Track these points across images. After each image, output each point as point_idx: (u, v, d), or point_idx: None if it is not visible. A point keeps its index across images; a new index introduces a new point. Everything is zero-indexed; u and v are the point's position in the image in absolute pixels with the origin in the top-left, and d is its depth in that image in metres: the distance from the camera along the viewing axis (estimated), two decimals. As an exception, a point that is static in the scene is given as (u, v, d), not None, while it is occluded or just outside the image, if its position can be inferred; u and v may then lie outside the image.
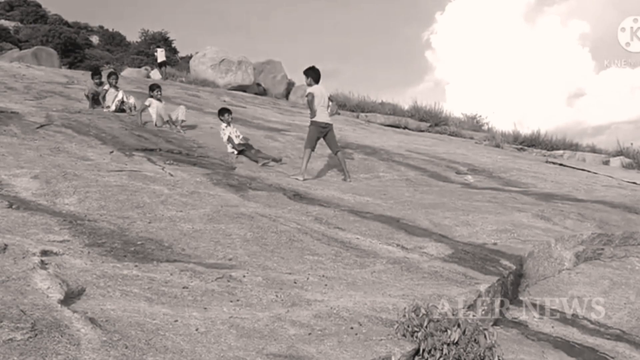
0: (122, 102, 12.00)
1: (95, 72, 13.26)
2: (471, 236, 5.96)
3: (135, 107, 11.99)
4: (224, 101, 16.92)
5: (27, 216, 5.04)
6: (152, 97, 11.51)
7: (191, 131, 11.20)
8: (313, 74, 8.93)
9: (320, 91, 8.83)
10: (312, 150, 8.83)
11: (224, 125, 10.15)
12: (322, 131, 8.85)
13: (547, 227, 6.48)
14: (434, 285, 4.42)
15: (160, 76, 22.97)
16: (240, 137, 10.13)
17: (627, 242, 6.59)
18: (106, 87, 12.46)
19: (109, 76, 12.63)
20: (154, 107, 11.31)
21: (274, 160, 9.72)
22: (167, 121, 11.24)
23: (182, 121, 11.19)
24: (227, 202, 6.40)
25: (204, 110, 14.49)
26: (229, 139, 9.94)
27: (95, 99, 12.43)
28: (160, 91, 11.88)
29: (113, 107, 11.89)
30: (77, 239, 4.66)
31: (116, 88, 12.35)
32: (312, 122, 8.81)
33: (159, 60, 24.42)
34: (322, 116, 8.80)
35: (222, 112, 10.40)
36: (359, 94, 22.43)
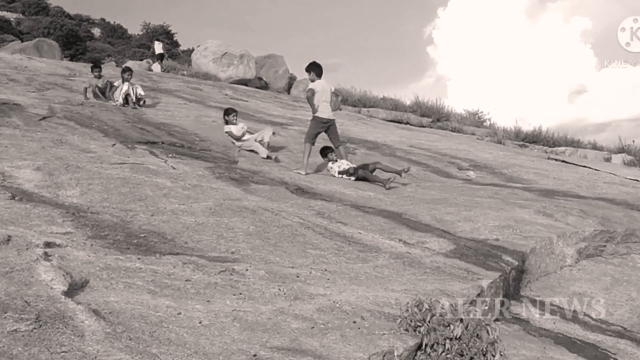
0: (128, 94, 11.88)
1: (95, 66, 13.14)
2: (473, 232, 5.96)
3: (142, 98, 12.10)
4: (226, 95, 16.91)
5: (30, 208, 5.05)
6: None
7: (193, 125, 11.19)
8: (315, 69, 8.93)
9: (322, 86, 8.82)
10: (312, 144, 8.83)
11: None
12: (323, 126, 8.86)
13: (549, 223, 6.48)
14: (436, 281, 4.43)
15: (161, 69, 22.94)
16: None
17: (629, 239, 6.59)
18: (117, 82, 12.33)
19: (123, 72, 12.42)
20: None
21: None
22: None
23: (268, 143, 9.91)
24: (229, 195, 6.40)
25: (206, 104, 14.47)
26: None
27: (97, 93, 12.34)
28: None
29: (120, 101, 11.83)
30: (80, 231, 4.67)
31: (131, 84, 12.17)
32: (313, 117, 8.82)
33: (157, 53, 24.37)
34: (325, 112, 8.80)
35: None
36: (361, 89, 22.43)
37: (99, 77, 12.65)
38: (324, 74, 9.02)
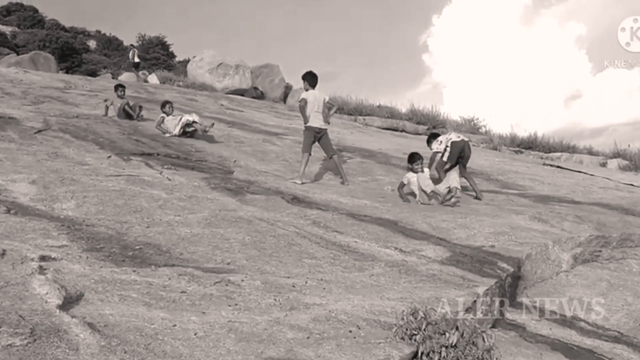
0: (187, 124, 10.88)
1: (120, 85, 13.02)
2: (469, 239, 5.97)
3: (202, 126, 11.02)
4: (222, 105, 16.94)
5: (25, 221, 5.04)
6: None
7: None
8: (309, 79, 8.99)
9: (314, 96, 8.87)
10: (309, 154, 8.86)
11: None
12: (317, 136, 8.89)
13: (544, 229, 6.50)
14: (432, 288, 4.43)
15: (137, 78, 22.94)
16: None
17: (624, 243, 6.60)
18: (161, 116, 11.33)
19: (163, 105, 11.41)
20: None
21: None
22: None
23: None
24: (225, 206, 6.40)
25: (202, 115, 14.47)
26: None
27: (128, 111, 12.05)
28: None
29: (176, 132, 10.84)
30: (75, 244, 4.66)
31: (174, 116, 11.28)
32: (306, 127, 8.86)
33: (134, 61, 24.35)
34: (315, 121, 8.84)
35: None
36: (357, 97, 22.52)
37: (123, 96, 12.44)
38: (319, 83, 9.08)
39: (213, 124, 11.30)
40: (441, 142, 8.45)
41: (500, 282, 4.81)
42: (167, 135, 10.81)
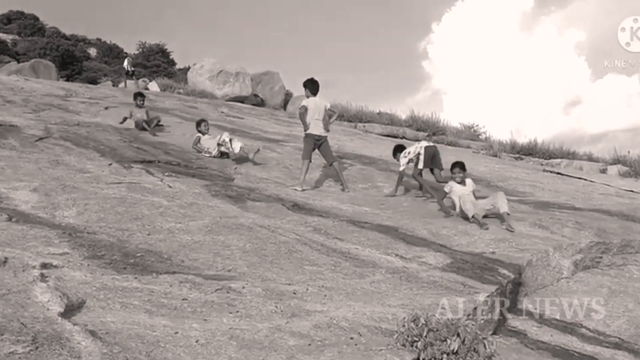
0: (221, 144, 10.15)
1: (140, 94, 12.84)
2: (469, 245, 5.97)
3: (241, 148, 10.07)
4: (222, 112, 16.96)
5: (27, 229, 5.05)
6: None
7: (190, 143, 11.21)
8: (310, 86, 9.02)
9: (314, 103, 8.90)
10: (310, 161, 8.88)
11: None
12: (317, 143, 8.92)
13: (545, 235, 6.50)
14: (433, 295, 4.43)
15: (132, 85, 22.98)
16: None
17: (625, 250, 6.60)
18: (198, 135, 10.74)
19: (198, 124, 10.81)
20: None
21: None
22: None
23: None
24: (225, 213, 6.41)
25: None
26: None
27: (144, 126, 11.71)
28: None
29: (215, 152, 10.21)
30: (77, 251, 4.67)
31: (210, 135, 10.70)
32: (306, 134, 8.89)
33: (128, 70, 24.39)
34: (316, 129, 8.86)
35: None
36: (357, 104, 22.52)
37: (142, 106, 12.27)
38: (320, 90, 9.11)
39: (259, 149, 10.33)
40: (409, 152, 8.67)
41: (501, 289, 4.82)
42: (207, 155, 10.16)
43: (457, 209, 7.20)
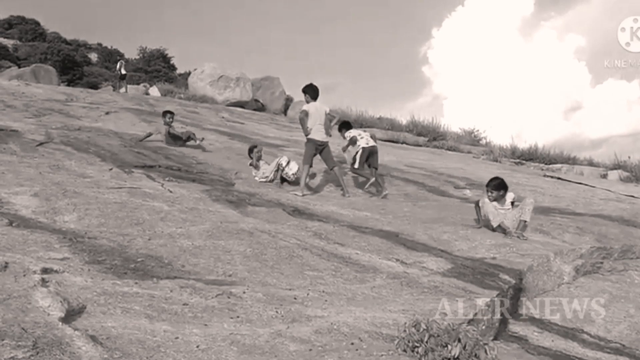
0: (279, 169, 9.45)
1: (169, 111, 11.89)
2: (470, 250, 5.97)
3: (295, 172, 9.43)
4: (223, 117, 16.99)
5: (27, 234, 5.05)
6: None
7: (190, 148, 11.23)
8: (310, 92, 9.02)
9: (315, 108, 8.90)
10: (310, 166, 8.89)
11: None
12: (318, 148, 8.92)
13: (545, 241, 6.50)
14: (434, 300, 4.43)
15: (125, 89, 22.95)
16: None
17: (625, 255, 6.60)
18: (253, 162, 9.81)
19: (250, 151, 9.96)
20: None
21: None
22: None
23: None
24: (226, 218, 6.41)
25: (203, 127, 14.54)
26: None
27: (169, 140, 11.35)
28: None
29: (271, 176, 9.42)
30: (77, 256, 4.67)
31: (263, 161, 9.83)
32: (307, 139, 8.89)
33: (122, 73, 24.39)
34: (317, 134, 8.87)
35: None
36: (358, 109, 22.59)
37: (170, 124, 11.56)
38: (320, 95, 9.12)
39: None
40: (351, 136, 9.78)
41: (502, 294, 4.81)
42: (261, 181, 9.38)
43: (480, 222, 7.02)
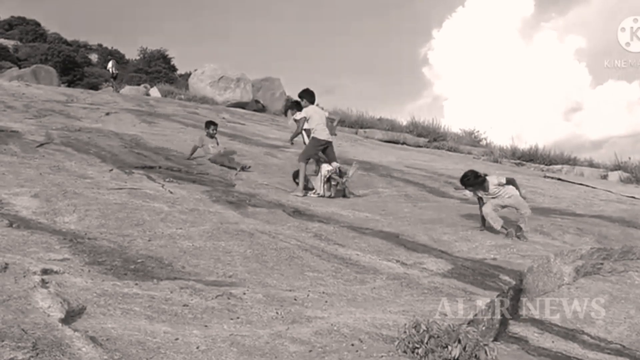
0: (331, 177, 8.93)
1: (212, 122, 11.27)
2: (470, 251, 5.97)
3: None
4: (223, 118, 16.98)
5: (28, 235, 5.05)
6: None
7: (190, 148, 11.21)
8: (307, 96, 9.10)
9: (314, 110, 8.98)
10: (306, 164, 8.86)
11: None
12: (321, 147, 8.94)
13: (546, 241, 6.50)
14: (434, 301, 4.42)
15: (116, 89, 22.87)
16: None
17: (626, 256, 6.59)
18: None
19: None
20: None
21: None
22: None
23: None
24: (226, 219, 6.41)
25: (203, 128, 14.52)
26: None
27: (214, 160, 10.40)
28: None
29: (320, 191, 8.87)
30: (78, 257, 4.67)
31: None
32: (312, 137, 8.90)
33: (113, 72, 24.30)
34: (322, 134, 8.90)
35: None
36: (358, 110, 22.59)
37: (213, 135, 10.93)
38: (317, 98, 9.20)
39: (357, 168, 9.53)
40: (299, 117, 9.09)
41: (502, 295, 4.81)
42: (315, 196, 8.83)
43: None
